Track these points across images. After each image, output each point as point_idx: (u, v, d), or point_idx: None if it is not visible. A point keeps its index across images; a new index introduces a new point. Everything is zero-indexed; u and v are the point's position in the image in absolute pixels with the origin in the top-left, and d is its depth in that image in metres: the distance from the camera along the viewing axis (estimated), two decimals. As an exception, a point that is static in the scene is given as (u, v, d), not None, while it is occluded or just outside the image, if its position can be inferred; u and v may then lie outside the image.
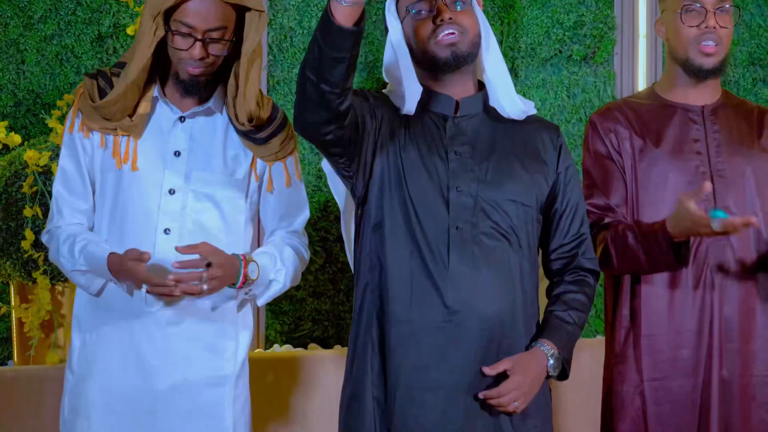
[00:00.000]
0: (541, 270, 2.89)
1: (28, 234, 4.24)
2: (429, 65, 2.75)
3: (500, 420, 2.65)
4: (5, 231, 4.35)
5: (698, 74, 3.18)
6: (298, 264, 3.06)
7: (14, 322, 4.64)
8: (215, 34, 2.82)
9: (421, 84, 2.74)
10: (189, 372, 2.94)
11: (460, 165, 2.69)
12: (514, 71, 5.50)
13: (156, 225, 2.90)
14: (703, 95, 3.23)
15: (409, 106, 2.70)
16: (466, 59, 2.73)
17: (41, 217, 4.07)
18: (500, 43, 5.44)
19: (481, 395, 2.59)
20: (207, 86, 2.95)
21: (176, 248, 2.76)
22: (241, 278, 2.87)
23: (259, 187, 3.05)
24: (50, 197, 3.38)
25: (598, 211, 3.11)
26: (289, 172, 3.04)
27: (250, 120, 2.92)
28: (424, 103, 2.75)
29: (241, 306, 3.03)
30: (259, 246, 3.12)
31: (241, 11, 2.85)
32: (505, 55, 5.39)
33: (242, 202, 3.02)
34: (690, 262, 3.05)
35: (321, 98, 2.49)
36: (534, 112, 2.86)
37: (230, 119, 2.96)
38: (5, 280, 4.53)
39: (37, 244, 4.04)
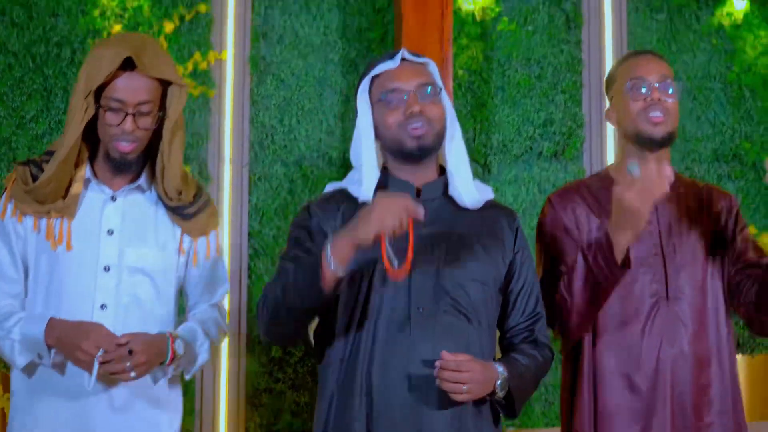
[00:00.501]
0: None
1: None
2: (395, 153, 2.84)
3: None
4: None
5: (649, 144, 3.21)
6: (217, 337, 3.16)
7: (-2, 412, 4.63)
8: (144, 108, 2.92)
9: (386, 167, 2.86)
10: None
11: (420, 247, 2.76)
12: (487, 167, 5.61)
13: (92, 301, 2.95)
14: None
15: (366, 195, 2.80)
16: (430, 151, 2.83)
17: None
18: (473, 140, 5.59)
19: (440, 360, 2.59)
20: (136, 164, 3.03)
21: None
22: (170, 355, 2.93)
23: (186, 261, 3.14)
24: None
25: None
26: (211, 246, 3.15)
27: (179, 193, 3.02)
28: (384, 187, 2.85)
29: (171, 387, 3.10)
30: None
31: (164, 85, 2.98)
32: (477, 151, 5.56)
33: (173, 276, 3.10)
34: (631, 264, 3.07)
35: (294, 334, 2.74)
36: (491, 197, 2.95)
37: (159, 196, 3.06)
38: None
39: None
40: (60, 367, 2.96)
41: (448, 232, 2.81)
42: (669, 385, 3.12)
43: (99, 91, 2.93)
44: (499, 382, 2.68)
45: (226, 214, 5.42)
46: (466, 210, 2.84)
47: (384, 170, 2.88)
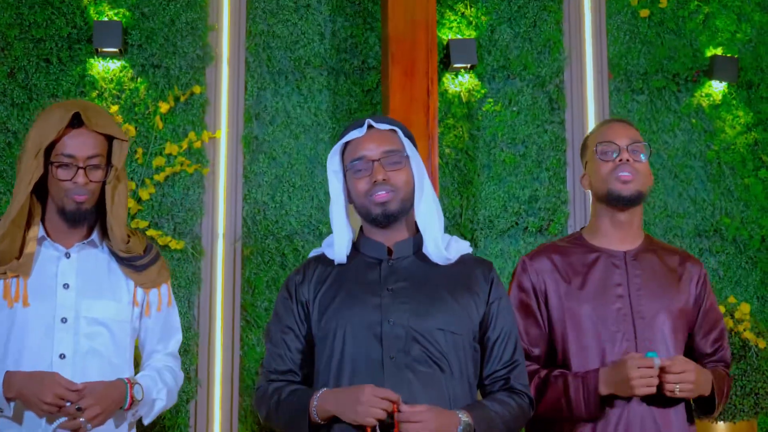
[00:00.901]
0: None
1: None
2: (364, 217, 2.95)
3: None
4: None
5: (618, 203, 3.26)
6: (173, 384, 3.23)
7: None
8: (94, 161, 3.03)
9: (363, 227, 2.97)
10: None
11: (392, 300, 2.85)
12: (473, 242, 5.73)
13: (51, 351, 3.00)
14: (624, 241, 3.32)
15: (340, 258, 2.93)
16: (396, 216, 2.92)
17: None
18: (460, 215, 5.72)
19: (397, 414, 2.70)
20: (88, 220, 3.13)
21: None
22: (128, 400, 3.00)
23: (140, 312, 3.22)
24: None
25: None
26: (163, 298, 3.25)
27: (126, 242, 3.13)
28: (358, 247, 2.98)
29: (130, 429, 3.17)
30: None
31: (108, 141, 3.10)
32: (464, 227, 5.69)
33: (128, 326, 3.17)
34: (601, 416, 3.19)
35: None
36: (469, 251, 3.03)
37: (110, 251, 3.15)
38: None
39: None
40: (18, 417, 3.02)
41: (419, 287, 2.89)
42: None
43: (48, 152, 3.03)
44: (460, 428, 2.72)
45: (219, 288, 5.53)
46: (438, 265, 2.93)
47: (360, 231, 3.00)
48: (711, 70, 6.09)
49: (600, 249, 3.31)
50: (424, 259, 2.92)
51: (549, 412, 3.21)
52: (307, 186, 5.59)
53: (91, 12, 5.68)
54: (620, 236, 3.31)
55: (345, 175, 2.98)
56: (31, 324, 3.04)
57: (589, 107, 6.04)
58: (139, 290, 3.21)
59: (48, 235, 3.12)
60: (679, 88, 6.12)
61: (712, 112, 6.12)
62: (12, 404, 2.94)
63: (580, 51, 6.11)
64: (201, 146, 5.70)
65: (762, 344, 5.14)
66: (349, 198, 2.98)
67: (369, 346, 2.79)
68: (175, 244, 5.40)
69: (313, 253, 3.06)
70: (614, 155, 3.26)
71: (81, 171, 3.00)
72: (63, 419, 2.88)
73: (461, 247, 2.98)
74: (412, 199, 2.94)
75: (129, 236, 3.18)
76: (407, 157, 2.94)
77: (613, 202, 3.26)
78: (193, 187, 5.67)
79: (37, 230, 3.10)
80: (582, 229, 3.45)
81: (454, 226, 5.79)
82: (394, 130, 2.97)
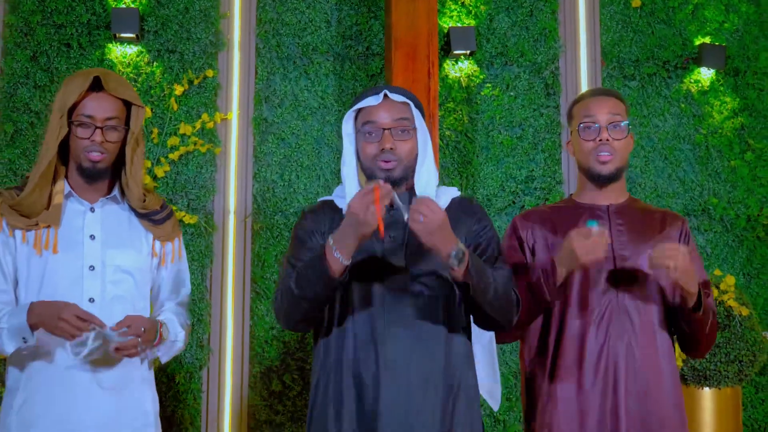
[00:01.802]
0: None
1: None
2: (369, 177, 3.18)
3: None
4: None
5: (597, 180, 3.47)
6: (186, 331, 3.47)
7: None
8: (111, 123, 3.26)
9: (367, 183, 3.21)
10: (118, 424, 3.25)
11: (392, 245, 3.13)
12: None
13: (81, 295, 3.21)
14: (608, 197, 3.50)
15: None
16: (398, 182, 3.15)
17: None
18: None
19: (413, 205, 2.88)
20: (106, 175, 3.34)
21: (112, 328, 3.12)
22: (158, 337, 3.24)
23: (157, 263, 3.46)
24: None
25: None
26: (176, 251, 3.48)
27: (142, 200, 3.35)
28: None
29: (150, 370, 3.40)
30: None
31: (127, 107, 3.33)
32: None
33: (148, 274, 3.41)
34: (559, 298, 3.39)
35: (312, 318, 3.07)
36: (456, 194, 3.28)
37: (130, 206, 3.38)
38: None
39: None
40: (48, 356, 3.23)
41: (413, 234, 3.11)
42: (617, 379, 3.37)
43: (70, 113, 3.26)
44: (454, 251, 2.92)
45: (230, 261, 5.72)
46: None
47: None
48: (699, 57, 6.21)
49: (585, 205, 3.52)
50: None
51: (524, 307, 3.34)
52: (314, 165, 5.78)
53: (110, 0, 5.86)
54: (604, 195, 3.51)
55: (356, 137, 3.18)
56: (61, 272, 3.24)
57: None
58: (157, 242, 3.42)
59: (73, 191, 3.33)
60: (669, 75, 6.25)
61: (700, 97, 6.25)
62: (35, 335, 3.13)
63: (574, 39, 6.25)
64: (213, 127, 5.85)
65: (745, 312, 5.31)
66: (358, 156, 3.18)
67: (374, 282, 3.06)
68: (188, 219, 5.59)
69: (321, 200, 3.29)
70: (595, 133, 3.44)
71: (98, 131, 3.23)
72: (93, 346, 3.04)
73: (450, 192, 3.22)
74: (414, 166, 3.16)
75: (145, 194, 3.39)
76: (415, 128, 3.15)
77: (594, 179, 3.48)
78: (205, 166, 5.82)
79: (62, 185, 3.31)
80: (572, 194, 3.64)
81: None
82: (407, 103, 3.17)
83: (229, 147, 5.89)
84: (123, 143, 3.33)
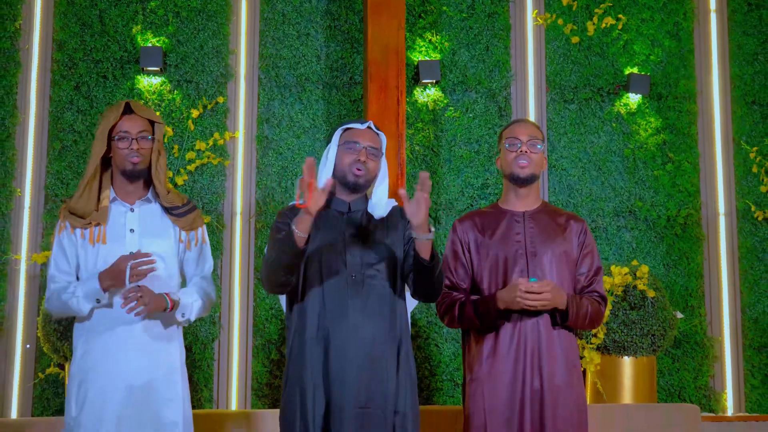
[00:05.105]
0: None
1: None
2: (340, 181, 3.74)
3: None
4: (66, 320, 5.42)
5: (518, 182, 3.98)
6: (205, 294, 3.98)
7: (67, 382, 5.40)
8: (142, 134, 3.86)
9: (332, 192, 3.82)
10: (154, 368, 3.83)
11: (351, 239, 3.74)
12: (437, 220, 6.50)
13: (125, 275, 3.73)
14: (524, 204, 4.02)
15: (314, 209, 3.56)
16: (362, 189, 3.77)
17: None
18: None
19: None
20: (143, 175, 3.87)
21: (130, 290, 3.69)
22: (169, 303, 3.79)
23: (183, 247, 3.99)
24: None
25: (447, 286, 4.03)
26: (199, 236, 4.01)
27: (167, 193, 3.88)
28: (329, 203, 3.76)
29: (178, 330, 3.93)
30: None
31: (151, 125, 3.89)
32: (430, 209, 6.21)
33: (175, 258, 3.96)
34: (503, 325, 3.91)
35: (286, 282, 3.66)
36: (396, 204, 3.82)
37: (161, 206, 3.92)
38: (65, 358, 5.56)
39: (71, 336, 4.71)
40: (103, 317, 3.79)
41: (366, 231, 3.78)
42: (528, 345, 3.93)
43: (110, 134, 3.85)
44: (426, 237, 3.54)
45: (237, 254, 6.33)
46: (375, 218, 3.83)
47: (330, 192, 3.76)
48: (628, 85, 6.79)
49: (507, 211, 4.06)
50: (369, 214, 3.86)
51: (466, 324, 3.98)
52: (307, 175, 6.44)
53: (138, 39, 6.45)
54: (522, 202, 4.06)
55: (338, 149, 3.75)
56: (109, 258, 3.81)
57: (531, 114, 6.72)
58: (182, 232, 3.97)
59: (117, 196, 3.91)
60: (603, 99, 6.82)
61: (629, 118, 6.82)
62: (106, 294, 3.75)
63: (523, 70, 6.85)
64: (223, 144, 6.41)
65: (651, 294, 5.98)
66: (335, 164, 3.75)
67: (338, 269, 3.77)
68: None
69: (292, 204, 3.88)
70: (517, 147, 3.99)
71: (134, 141, 3.85)
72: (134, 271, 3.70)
73: (391, 203, 3.92)
74: (373, 182, 3.83)
75: (168, 192, 3.93)
76: (382, 155, 3.84)
77: (514, 181, 4.03)
78: (217, 176, 6.36)
79: (108, 193, 3.91)
80: (498, 200, 4.18)
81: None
82: (380, 135, 3.86)
83: (237, 160, 6.40)
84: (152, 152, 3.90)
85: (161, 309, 3.78)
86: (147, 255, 3.73)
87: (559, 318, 3.95)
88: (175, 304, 3.82)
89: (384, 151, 3.87)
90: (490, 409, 3.92)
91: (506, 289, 3.89)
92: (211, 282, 4.08)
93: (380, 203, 3.82)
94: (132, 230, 3.89)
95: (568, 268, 4.03)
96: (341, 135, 3.82)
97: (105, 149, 3.86)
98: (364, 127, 3.82)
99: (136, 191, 3.95)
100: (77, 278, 3.90)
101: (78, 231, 3.88)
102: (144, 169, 3.90)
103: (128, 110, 3.90)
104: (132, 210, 3.92)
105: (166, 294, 3.82)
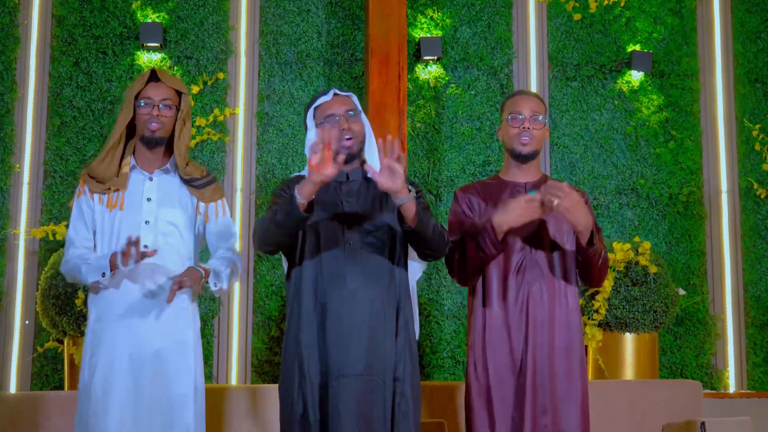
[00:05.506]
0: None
1: (81, 294, 5.44)
2: (333, 156, 3.81)
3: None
4: (64, 295, 5.53)
5: (519, 158, 4.03)
6: (233, 264, 4.05)
7: (66, 359, 5.68)
8: (165, 102, 3.93)
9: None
10: (163, 338, 3.90)
11: (350, 207, 3.80)
12: (438, 197, 6.53)
13: (140, 242, 3.79)
14: (526, 175, 4.07)
15: (325, 177, 3.57)
16: (354, 156, 3.79)
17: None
18: (427, 176, 6.52)
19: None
20: (162, 143, 3.93)
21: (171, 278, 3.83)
22: (204, 274, 3.88)
23: (202, 220, 4.06)
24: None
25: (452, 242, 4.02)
26: (219, 209, 4.08)
27: (185, 165, 3.95)
28: None
29: (194, 305, 4.00)
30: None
31: (178, 95, 3.97)
32: (431, 185, 6.48)
33: (192, 229, 4.03)
34: (502, 248, 3.91)
35: (279, 243, 3.71)
36: None
37: (180, 177, 4.00)
38: (64, 333, 5.61)
39: (86, 303, 4.88)
40: (115, 286, 3.87)
41: (365, 199, 3.82)
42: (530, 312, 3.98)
43: (137, 96, 3.93)
44: (407, 199, 3.59)
45: (237, 229, 6.16)
46: (374, 185, 3.73)
47: None
48: (631, 62, 6.79)
49: (508, 182, 4.12)
50: (368, 181, 3.89)
51: (471, 261, 3.95)
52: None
53: (138, 15, 6.47)
54: (523, 174, 4.11)
55: (316, 130, 3.76)
56: (125, 225, 3.93)
57: (533, 91, 6.41)
58: (201, 204, 4.04)
59: (137, 164, 3.99)
60: (605, 77, 6.81)
61: (631, 95, 6.82)
62: (109, 275, 3.83)
63: (525, 47, 6.85)
64: (223, 120, 6.43)
65: (654, 269, 5.99)
66: None
67: (337, 237, 3.81)
68: (203, 196, 6.29)
69: (295, 174, 4.06)
70: (519, 123, 4.02)
71: (155, 107, 3.93)
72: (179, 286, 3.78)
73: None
74: (364, 144, 3.87)
75: (187, 164, 4.01)
76: (360, 112, 3.85)
77: (516, 157, 4.08)
78: (217, 152, 6.39)
79: (129, 160, 4.00)
80: (499, 172, 4.23)
81: (422, 184, 6.47)
82: (350, 96, 3.88)
83: (237, 136, 6.43)
84: (175, 122, 3.98)
85: (198, 279, 3.87)
86: (137, 242, 3.76)
87: (582, 240, 3.94)
88: (206, 273, 3.91)
89: (360, 108, 3.88)
90: (493, 374, 3.96)
91: (501, 209, 3.90)
92: (236, 252, 4.16)
93: (376, 159, 3.84)
94: (149, 199, 3.97)
95: (569, 231, 4.05)
96: (314, 115, 3.85)
97: (131, 115, 3.95)
98: (330, 97, 3.84)
99: (156, 160, 4.03)
100: (94, 243, 4.01)
101: (96, 196, 3.97)
102: (163, 137, 3.97)
103: (154, 78, 3.99)
104: (151, 179, 4.00)
105: (198, 265, 3.93)
